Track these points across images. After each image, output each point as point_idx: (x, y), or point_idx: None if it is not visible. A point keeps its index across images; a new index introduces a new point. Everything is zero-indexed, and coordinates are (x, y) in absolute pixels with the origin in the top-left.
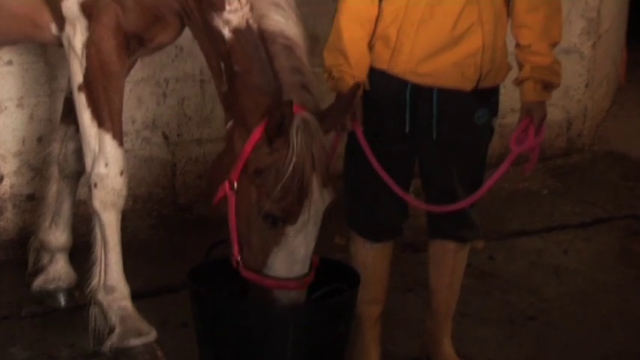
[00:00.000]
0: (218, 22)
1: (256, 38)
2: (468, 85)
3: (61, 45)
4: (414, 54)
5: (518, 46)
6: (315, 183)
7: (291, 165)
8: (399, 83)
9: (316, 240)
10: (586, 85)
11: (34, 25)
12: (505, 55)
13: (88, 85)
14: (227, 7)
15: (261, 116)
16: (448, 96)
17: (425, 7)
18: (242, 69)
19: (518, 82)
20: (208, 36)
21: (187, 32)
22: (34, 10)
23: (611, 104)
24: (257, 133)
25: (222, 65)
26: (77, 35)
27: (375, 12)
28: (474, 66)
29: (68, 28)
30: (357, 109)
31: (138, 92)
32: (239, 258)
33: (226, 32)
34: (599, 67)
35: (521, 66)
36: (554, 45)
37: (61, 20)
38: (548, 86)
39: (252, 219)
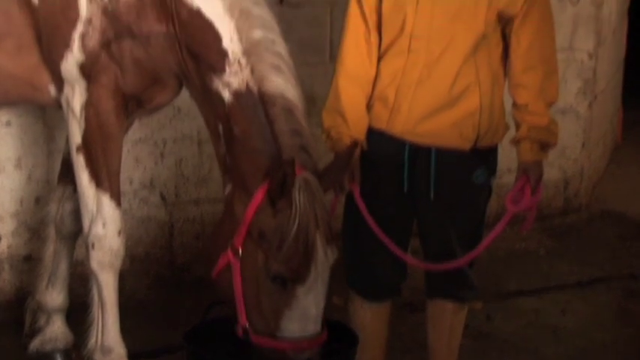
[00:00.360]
0: (218, 85)
1: (256, 101)
2: (466, 145)
3: (59, 106)
4: (413, 114)
5: (515, 105)
6: (319, 241)
7: (296, 225)
8: (398, 143)
9: (325, 298)
10: (582, 145)
11: (33, 87)
12: (503, 114)
13: (86, 146)
14: (227, 70)
15: (262, 178)
16: (446, 155)
17: (422, 67)
18: (241, 132)
19: (515, 142)
20: (207, 98)
21: (185, 92)
22: (33, 72)
23: (608, 163)
24: (259, 195)
25: (221, 128)
26: (76, 97)
27: (373, 73)
28: (472, 126)
29: (67, 90)
30: (355, 169)
31: (136, 152)
32: (247, 325)
33: (226, 95)
34: (595, 126)
35: (518, 126)
36: (550, 105)
37: (59, 82)
38: (545, 146)
39: (260, 283)
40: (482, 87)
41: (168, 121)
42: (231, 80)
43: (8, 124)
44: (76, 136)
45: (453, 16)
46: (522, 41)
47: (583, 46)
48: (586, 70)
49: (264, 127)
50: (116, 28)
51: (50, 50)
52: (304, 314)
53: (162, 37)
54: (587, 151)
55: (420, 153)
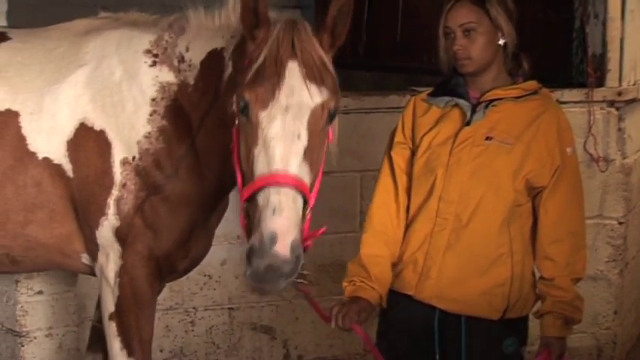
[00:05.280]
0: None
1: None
2: (494, 315)
3: (91, 273)
4: (442, 279)
5: (541, 278)
6: (295, 70)
7: (267, 47)
8: (427, 311)
9: (310, 145)
10: (615, 312)
11: (64, 254)
12: (533, 286)
13: (119, 314)
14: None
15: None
16: (476, 325)
17: (450, 232)
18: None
19: (539, 316)
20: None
21: (215, 259)
22: (64, 241)
23: None
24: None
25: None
26: (110, 264)
27: (401, 234)
28: (501, 296)
29: (101, 258)
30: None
31: (166, 320)
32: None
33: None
34: (627, 294)
35: (542, 299)
36: (577, 280)
37: (93, 250)
38: (569, 321)
39: (239, 128)
40: (514, 257)
41: (199, 289)
42: (229, 54)
43: (40, 292)
44: (109, 304)
45: (481, 182)
46: (550, 213)
47: (613, 213)
48: (617, 237)
49: None
50: (148, 186)
51: (86, 218)
52: (270, 147)
53: (188, 152)
54: (620, 318)
55: (449, 321)
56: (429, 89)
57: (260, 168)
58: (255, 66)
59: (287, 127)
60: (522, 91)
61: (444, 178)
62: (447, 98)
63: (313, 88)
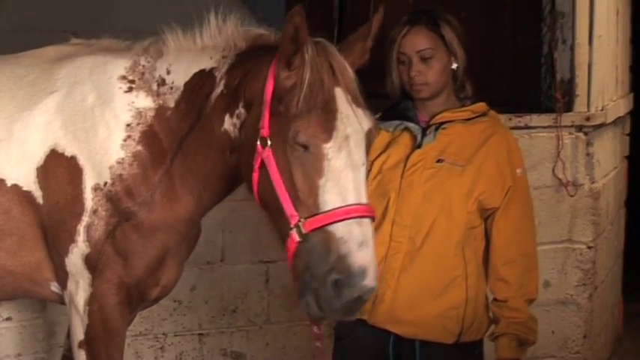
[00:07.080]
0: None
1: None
2: (449, 339)
3: (59, 300)
4: (396, 302)
5: (494, 300)
6: (341, 96)
7: (308, 74)
8: (382, 336)
9: (368, 168)
10: (584, 337)
11: (32, 282)
12: (487, 308)
13: (88, 342)
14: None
15: (267, 61)
16: (431, 349)
17: (404, 255)
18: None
19: (493, 338)
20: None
21: (185, 284)
22: (33, 269)
23: (610, 355)
24: (271, 70)
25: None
26: (80, 292)
27: None
28: (456, 318)
29: (71, 285)
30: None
31: (136, 346)
32: (297, 218)
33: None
34: (596, 318)
35: (496, 320)
36: (530, 302)
37: (62, 277)
38: (523, 343)
39: (290, 157)
40: (469, 280)
41: (169, 314)
42: (221, 74)
43: (9, 319)
44: (79, 332)
45: (433, 205)
46: (502, 234)
47: (582, 238)
48: (586, 262)
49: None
50: (119, 212)
51: (55, 245)
52: (341, 179)
53: (164, 177)
54: (590, 342)
55: (404, 346)
56: (378, 114)
57: (331, 200)
58: (300, 95)
59: (352, 156)
60: (471, 114)
61: (396, 201)
62: (396, 122)
63: (360, 113)
